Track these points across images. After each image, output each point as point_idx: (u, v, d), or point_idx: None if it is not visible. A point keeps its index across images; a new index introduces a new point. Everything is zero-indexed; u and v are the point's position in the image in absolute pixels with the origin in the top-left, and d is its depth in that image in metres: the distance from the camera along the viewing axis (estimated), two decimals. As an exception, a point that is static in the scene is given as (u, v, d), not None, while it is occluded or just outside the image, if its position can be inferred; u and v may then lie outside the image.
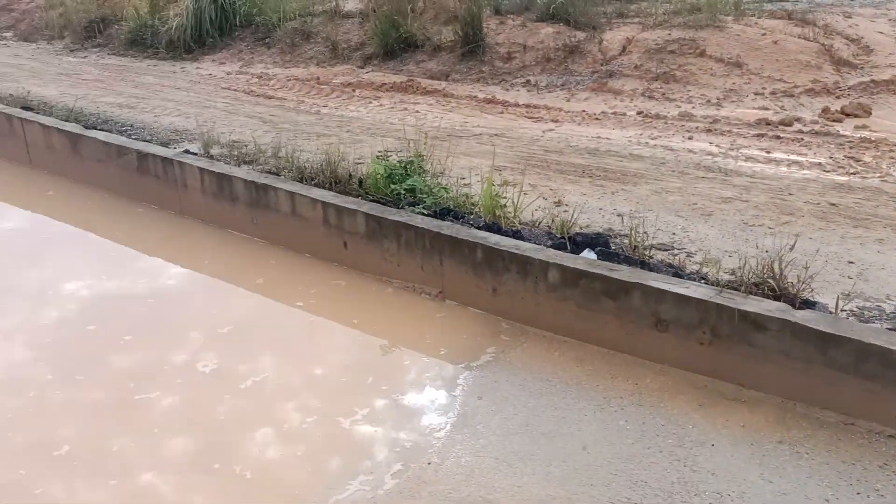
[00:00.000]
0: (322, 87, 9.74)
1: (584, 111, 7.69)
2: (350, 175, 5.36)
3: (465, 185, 5.23)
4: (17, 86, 9.34)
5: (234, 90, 9.90)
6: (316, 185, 5.11)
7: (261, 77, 10.58)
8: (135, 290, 4.82)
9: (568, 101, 8.11)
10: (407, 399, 3.58)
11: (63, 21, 14.29)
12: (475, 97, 8.52)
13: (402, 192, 4.78)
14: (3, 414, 3.55)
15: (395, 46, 10.16)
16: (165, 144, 6.59)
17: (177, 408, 3.56)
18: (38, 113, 7.00)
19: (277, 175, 5.42)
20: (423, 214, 4.56)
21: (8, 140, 6.76)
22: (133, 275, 5.05)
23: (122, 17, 13.37)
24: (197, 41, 12.11)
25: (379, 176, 4.91)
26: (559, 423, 3.18)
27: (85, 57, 12.55)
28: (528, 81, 8.68)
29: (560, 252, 3.88)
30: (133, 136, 6.66)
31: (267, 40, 11.88)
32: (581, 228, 4.39)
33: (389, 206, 4.70)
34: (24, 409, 3.60)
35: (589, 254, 3.93)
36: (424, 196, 4.72)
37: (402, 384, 3.71)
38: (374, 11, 10.79)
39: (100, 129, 6.47)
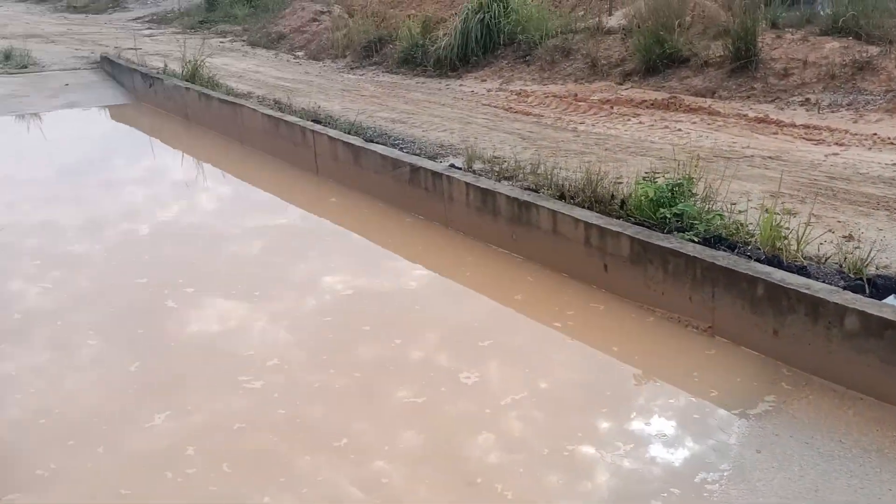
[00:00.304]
0: (579, 103, 9.68)
1: (875, 134, 6.83)
2: (612, 195, 5.23)
3: (737, 211, 4.86)
4: (308, 100, 10.45)
5: (494, 106, 10.19)
6: (576, 205, 5.05)
7: (519, 94, 10.80)
8: (389, 288, 5.14)
9: (855, 122, 7.26)
10: (668, 436, 3.36)
11: (346, 41, 15.76)
12: (745, 116, 7.94)
13: (670, 216, 4.55)
14: (268, 391, 3.88)
15: (657, 62, 9.81)
16: (433, 158, 6.95)
17: (410, 401, 3.72)
18: (325, 126, 7.71)
19: (537, 192, 5.44)
20: (694, 241, 4.30)
21: (301, 150, 7.53)
22: (390, 276, 5.37)
23: (396, 38, 14.44)
24: (461, 59, 12.69)
25: (645, 198, 4.72)
26: (856, 495, 2.79)
27: (363, 74, 13.70)
28: (807, 100, 7.91)
29: (860, 296, 3.43)
30: (405, 150, 7.11)
31: (527, 58, 12.11)
32: (880, 269, 3.86)
33: (655, 231, 4.49)
34: (283, 386, 3.91)
35: (894, 300, 3.42)
36: (696, 222, 4.45)
37: (663, 420, 3.51)
38: (639, 27, 10.53)
39: (377, 143, 6.97)
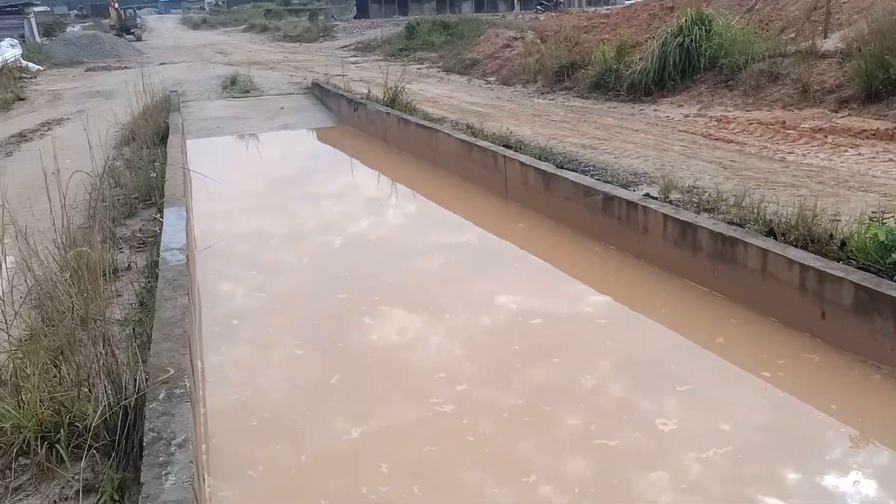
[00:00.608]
0: (788, 131, 8.98)
1: None
2: (830, 235, 4.75)
3: None
4: (499, 125, 10.57)
5: (692, 133, 9.72)
6: (789, 243, 4.63)
7: (719, 120, 10.23)
8: (568, 313, 5.04)
9: None
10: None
11: (538, 66, 15.85)
12: None
13: (903, 263, 4.03)
14: (438, 403, 3.91)
15: (880, 88, 8.92)
16: (625, 186, 6.72)
17: (579, 428, 3.63)
18: (516, 151, 7.73)
19: (741, 226, 5.07)
20: (933, 293, 3.77)
21: (491, 174, 7.61)
22: (570, 301, 5.25)
23: (589, 63, 14.30)
24: (657, 84, 12.29)
25: (872, 241, 4.22)
26: None
27: (553, 99, 13.68)
28: None
29: None
30: (595, 176, 6.94)
31: (729, 82, 11.49)
32: None
33: (885, 278, 4.00)
34: (453, 399, 3.93)
35: None
36: (937, 271, 3.91)
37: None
38: (860, 50, 9.62)
39: (568, 169, 6.87)
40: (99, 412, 2.92)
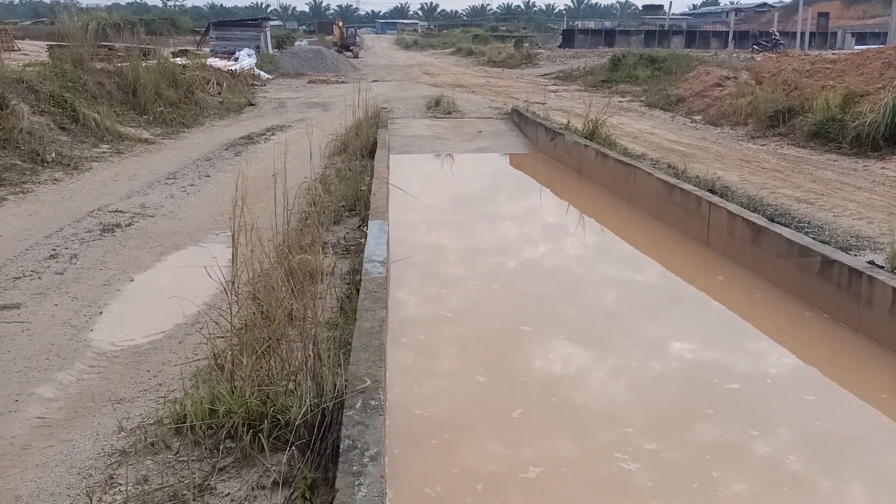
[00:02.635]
0: None
1: None
2: None
3: None
4: (704, 168, 10.12)
5: (928, 197, 8.74)
6: None
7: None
8: (745, 370, 4.69)
9: None
10: None
11: (750, 109, 15.01)
12: None
13: None
14: (597, 443, 3.85)
15: None
16: (845, 250, 6.16)
17: (745, 496, 3.42)
18: (722, 197, 7.34)
19: None
20: None
21: (693, 219, 7.27)
22: (751, 358, 4.88)
23: (808, 110, 13.33)
24: (888, 140, 11.20)
25: None
26: None
27: (764, 145, 12.88)
28: None
29: None
30: (811, 235, 6.42)
31: None
32: None
33: None
34: (612, 444, 3.81)
35: None
36: None
37: None
38: None
39: (780, 223, 6.41)
40: (302, 411, 3.10)
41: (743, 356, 4.93)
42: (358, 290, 4.93)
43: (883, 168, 10.55)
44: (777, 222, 6.46)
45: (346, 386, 3.21)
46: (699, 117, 16.56)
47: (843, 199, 8.61)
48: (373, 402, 3.07)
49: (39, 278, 5.89)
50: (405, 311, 5.50)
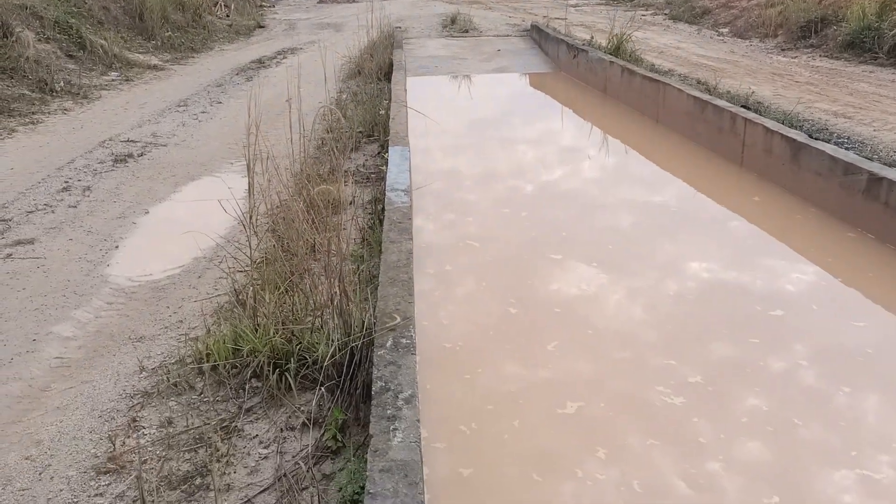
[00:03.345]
0: None
1: None
2: None
3: None
4: (735, 83, 9.66)
5: (972, 108, 8.29)
6: None
7: None
8: (763, 288, 4.54)
9: None
10: None
11: (780, 19, 14.30)
12: None
13: None
14: (613, 362, 3.80)
15: None
16: (891, 165, 5.83)
17: (760, 412, 3.38)
18: (756, 113, 6.98)
19: None
20: None
21: (726, 138, 6.93)
22: (771, 276, 4.67)
23: (842, 18, 12.67)
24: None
25: None
26: None
27: (795, 57, 12.30)
28: None
29: None
30: (851, 150, 6.08)
31: None
32: None
33: None
34: (628, 362, 3.79)
35: None
36: None
37: None
38: None
39: (817, 139, 6.07)
40: (331, 351, 2.95)
41: (785, 279, 4.73)
42: (381, 221, 4.74)
43: (925, 78, 10.05)
44: (816, 138, 6.12)
45: (374, 323, 3.05)
46: (726, 30, 15.84)
47: (882, 112, 8.19)
48: (404, 341, 2.91)
49: (53, 212, 5.74)
50: (427, 239, 5.31)
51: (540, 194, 6.59)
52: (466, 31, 15.69)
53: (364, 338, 2.96)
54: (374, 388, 2.60)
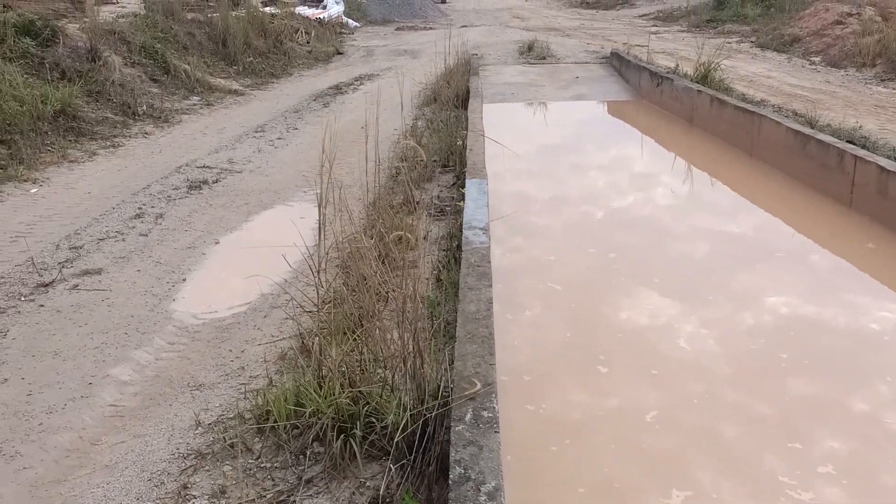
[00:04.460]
0: None
1: None
2: None
3: None
4: (834, 115, 9.01)
5: None
6: None
7: None
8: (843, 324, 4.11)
9: None
10: None
11: (878, 49, 13.49)
12: None
13: None
14: (683, 394, 3.65)
15: None
16: None
17: (839, 455, 3.16)
18: (869, 151, 6.38)
19: None
20: None
21: (832, 175, 6.35)
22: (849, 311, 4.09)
23: (952, 47, 11.82)
24: None
25: None
26: None
27: (896, 88, 11.52)
28: None
29: None
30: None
31: None
32: None
33: None
34: (699, 395, 3.63)
35: None
36: None
37: None
38: None
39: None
40: (403, 421, 2.62)
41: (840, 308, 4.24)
42: (456, 259, 4.41)
43: None
44: (941, 181, 5.51)
45: (451, 388, 2.70)
46: (818, 58, 15.06)
47: None
48: (485, 414, 2.54)
49: (124, 240, 5.64)
50: (504, 274, 4.99)
51: (633, 223, 6.25)
52: (544, 58, 15.38)
53: (439, 407, 2.63)
54: (451, 475, 2.24)
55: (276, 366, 3.53)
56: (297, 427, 2.90)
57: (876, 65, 13.38)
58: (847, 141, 7.04)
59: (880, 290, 4.88)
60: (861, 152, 6.16)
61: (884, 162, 5.79)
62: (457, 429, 2.46)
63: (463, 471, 2.25)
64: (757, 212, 6.58)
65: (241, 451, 2.90)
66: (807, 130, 7.05)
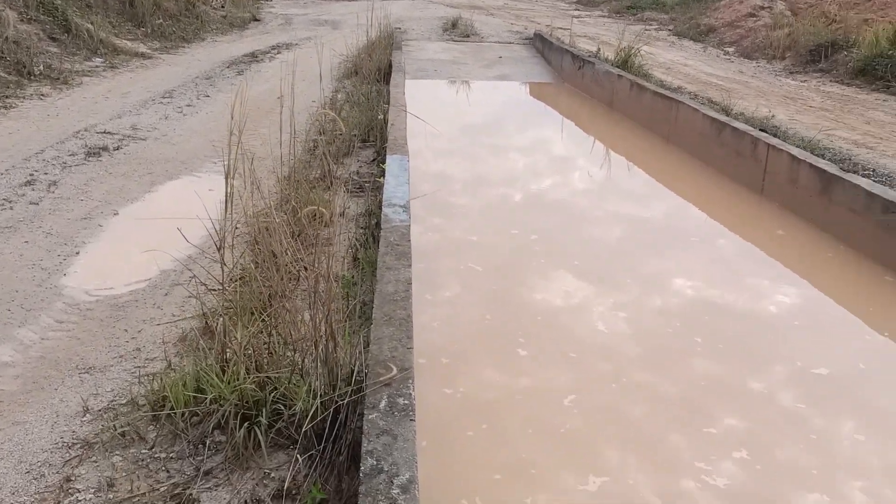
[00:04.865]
0: None
1: None
2: None
3: None
4: (747, 104, 9.25)
5: None
6: None
7: None
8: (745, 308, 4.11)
9: None
10: None
11: (788, 41, 13.97)
12: None
13: None
14: (592, 374, 3.70)
15: None
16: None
17: (737, 432, 3.30)
18: (784, 141, 6.54)
19: None
20: None
21: (746, 164, 6.49)
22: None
23: (853, 44, 12.35)
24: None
25: None
26: None
27: (804, 81, 11.94)
28: None
29: None
30: (881, 184, 5.65)
31: None
32: None
33: None
34: (608, 374, 3.69)
35: None
36: None
37: None
38: None
39: (853, 173, 5.64)
40: (312, 411, 2.44)
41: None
42: (374, 238, 4.24)
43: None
44: (852, 172, 5.69)
45: (366, 374, 2.54)
46: (732, 49, 15.50)
47: (906, 143, 7.79)
48: (401, 401, 2.40)
49: (11, 208, 5.19)
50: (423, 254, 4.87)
51: (552, 206, 6.24)
52: (467, 36, 15.23)
53: (352, 394, 2.46)
54: (363, 467, 2.09)
55: (175, 348, 3.27)
56: (197, 414, 2.68)
57: (785, 57, 13.84)
58: (760, 129, 7.20)
59: (783, 274, 5.00)
60: (774, 141, 6.31)
61: (795, 151, 5.94)
62: (370, 417, 2.31)
63: (375, 462, 2.10)
64: (672, 197, 6.69)
65: (134, 440, 2.66)
66: (723, 118, 7.18)
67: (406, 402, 2.39)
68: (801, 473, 3.05)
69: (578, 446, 3.15)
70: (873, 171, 6.68)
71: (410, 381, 2.50)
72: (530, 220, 5.86)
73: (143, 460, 2.56)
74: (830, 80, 11.89)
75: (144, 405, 2.81)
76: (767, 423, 3.36)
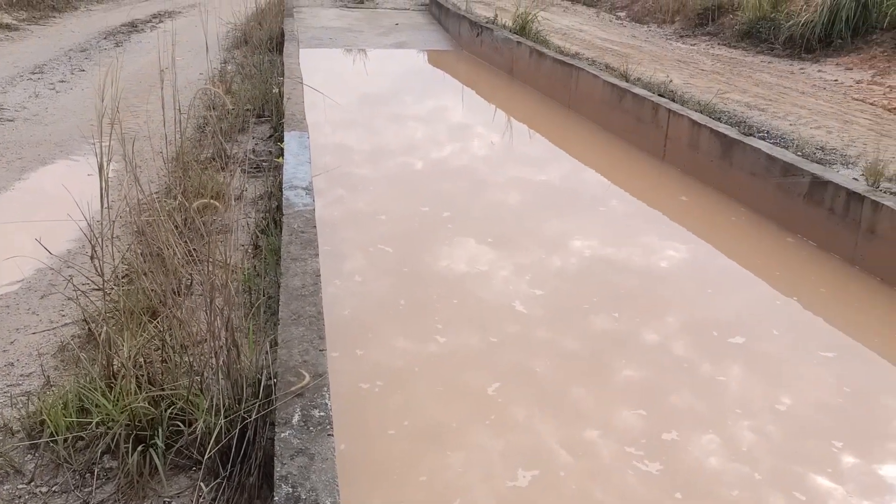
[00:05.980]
0: None
1: None
2: None
3: None
4: (644, 69, 9.34)
5: (871, 104, 8.32)
6: None
7: (905, 92, 8.76)
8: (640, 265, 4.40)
9: None
10: None
11: (676, 5, 14.25)
12: None
13: None
14: (498, 335, 3.78)
15: None
16: (818, 163, 5.58)
17: (635, 382, 3.48)
18: (683, 105, 6.61)
19: None
20: None
21: (647, 129, 6.52)
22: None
23: (739, 7, 12.73)
24: (822, 41, 10.71)
25: None
26: None
27: (694, 45, 12.22)
28: None
29: None
30: (777, 146, 5.79)
31: (915, 47, 9.87)
32: None
33: None
34: (513, 335, 3.78)
35: None
36: None
37: None
38: None
39: (750, 136, 5.75)
40: (215, 434, 2.17)
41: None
42: (276, 222, 3.94)
43: (820, 71, 10.08)
44: (751, 135, 5.79)
45: (275, 383, 2.30)
46: (623, 13, 15.70)
47: (792, 105, 8.07)
48: (316, 413, 2.17)
49: None
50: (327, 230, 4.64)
51: (454, 174, 6.15)
52: (362, 2, 14.76)
53: (261, 407, 2.22)
54: (276, 496, 1.86)
55: (55, 360, 2.91)
56: (83, 439, 2.37)
57: (675, 21, 14.12)
58: (659, 95, 7.26)
59: (681, 235, 5.08)
60: (674, 106, 6.36)
61: (696, 116, 6.00)
62: (282, 435, 2.08)
63: (291, 489, 1.88)
64: (573, 163, 6.68)
65: (8, 474, 2.32)
66: (623, 84, 7.19)
67: (322, 413, 2.17)
68: (694, 417, 3.23)
69: (487, 407, 3.22)
70: (767, 132, 6.86)
71: (325, 388, 2.28)
72: (433, 189, 5.73)
73: (20, 497, 2.23)
74: (718, 43, 12.20)
75: (19, 431, 2.47)
76: (663, 371, 3.54)
